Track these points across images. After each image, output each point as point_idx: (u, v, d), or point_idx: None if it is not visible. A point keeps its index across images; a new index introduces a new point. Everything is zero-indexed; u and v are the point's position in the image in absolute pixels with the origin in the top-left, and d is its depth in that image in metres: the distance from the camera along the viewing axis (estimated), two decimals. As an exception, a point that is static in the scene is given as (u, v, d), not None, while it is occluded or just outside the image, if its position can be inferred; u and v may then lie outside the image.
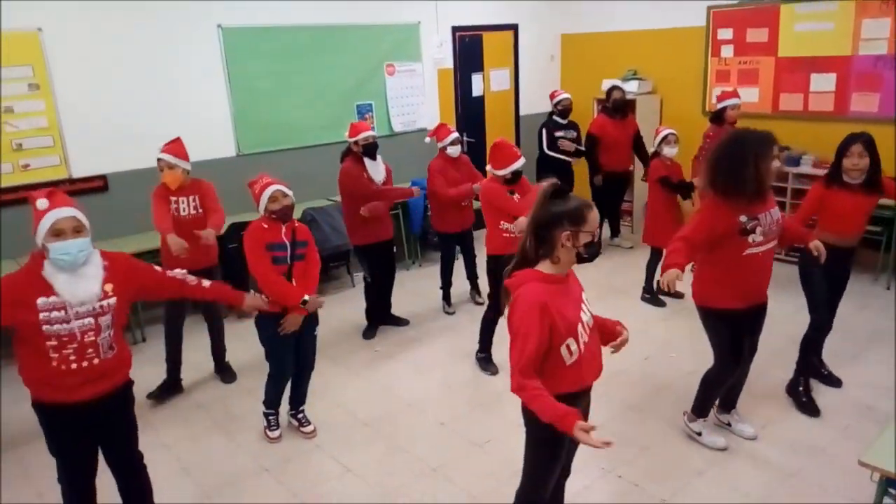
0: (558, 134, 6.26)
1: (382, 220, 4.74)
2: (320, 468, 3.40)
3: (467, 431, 3.64)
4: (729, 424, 3.47)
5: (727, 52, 6.35)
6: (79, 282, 2.36)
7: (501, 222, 4.00)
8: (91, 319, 2.38)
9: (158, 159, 3.85)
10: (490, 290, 4.37)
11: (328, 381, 4.16)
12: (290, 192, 3.35)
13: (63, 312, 2.33)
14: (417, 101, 6.73)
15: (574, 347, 2.17)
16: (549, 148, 6.27)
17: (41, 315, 2.31)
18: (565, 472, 2.53)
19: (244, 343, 4.81)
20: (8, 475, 3.40)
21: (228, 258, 5.23)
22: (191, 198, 3.97)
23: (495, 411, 3.83)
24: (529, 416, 2.27)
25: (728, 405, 3.48)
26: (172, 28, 5.11)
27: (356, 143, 4.56)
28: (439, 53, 6.84)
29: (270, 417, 3.66)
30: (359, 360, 4.56)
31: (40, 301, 2.31)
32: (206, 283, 2.86)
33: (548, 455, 2.34)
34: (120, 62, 4.92)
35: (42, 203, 2.36)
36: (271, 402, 3.64)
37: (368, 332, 4.92)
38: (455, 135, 4.97)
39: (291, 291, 3.32)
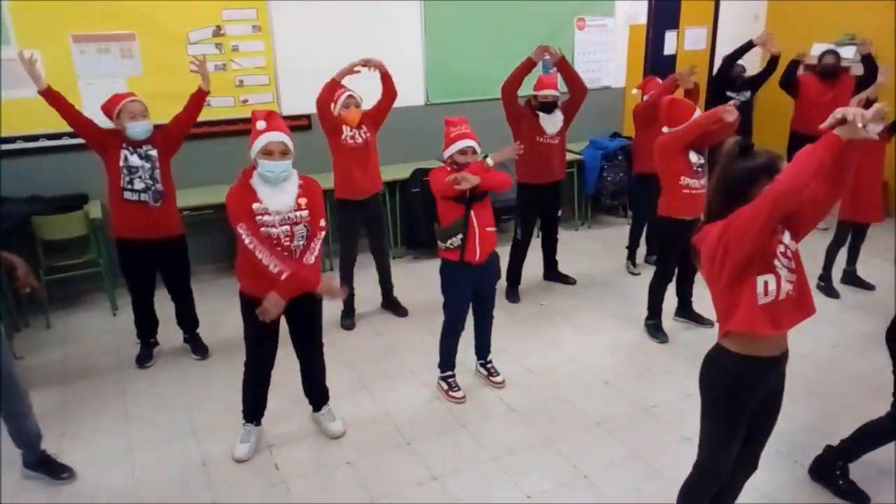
0: (730, 94, 5.84)
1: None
2: (486, 405, 3.56)
3: (633, 393, 3.63)
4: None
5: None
6: (279, 194, 2.78)
7: (682, 178, 3.85)
8: (287, 227, 2.80)
9: (350, 95, 4.09)
10: (660, 254, 4.26)
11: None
12: (479, 150, 3.36)
13: (269, 217, 2.76)
14: (605, 57, 6.56)
15: (772, 287, 2.07)
16: None
17: (256, 218, 2.75)
18: (751, 466, 2.43)
19: (416, 281, 5.10)
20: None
21: (409, 201, 5.52)
22: (362, 129, 4.20)
23: (665, 379, 3.76)
24: (707, 384, 2.23)
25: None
26: (378, -24, 5.36)
27: (535, 96, 4.58)
28: (633, 8, 6.58)
29: (450, 380, 3.62)
30: (524, 312, 4.66)
31: (254, 206, 2.75)
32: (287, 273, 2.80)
33: (724, 425, 2.27)
34: (330, 7, 5.25)
35: (261, 124, 2.77)
36: (447, 362, 3.64)
37: (511, 296, 4.85)
38: None
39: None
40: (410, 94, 5.72)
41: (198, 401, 3.62)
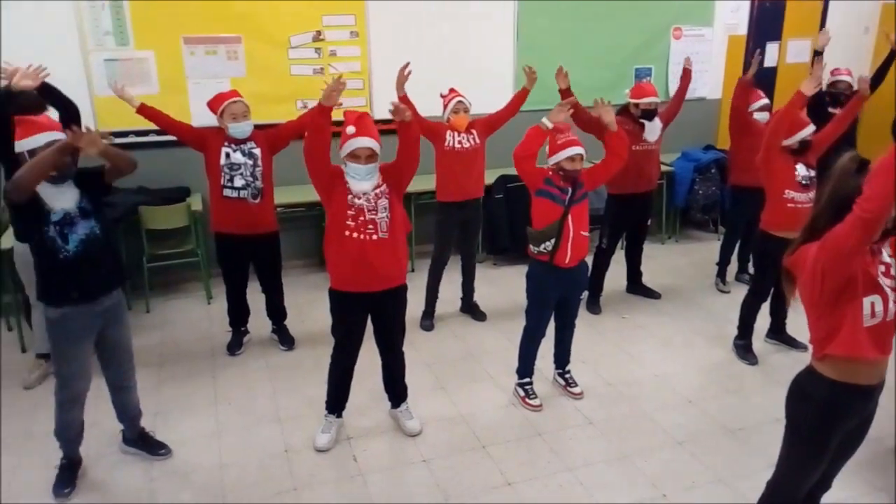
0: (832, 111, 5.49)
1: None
2: (562, 414, 3.52)
3: (718, 414, 3.50)
4: None
5: None
6: (363, 184, 2.91)
7: (786, 191, 3.69)
8: (372, 201, 2.92)
9: (459, 101, 4.17)
10: (757, 271, 4.08)
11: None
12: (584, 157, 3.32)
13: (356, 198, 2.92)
14: (701, 68, 6.35)
15: (879, 309, 1.95)
16: None
17: (348, 198, 2.90)
18: (825, 484, 2.32)
19: (494, 287, 5.11)
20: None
21: (493, 207, 5.53)
22: (472, 134, 4.25)
23: (753, 402, 3.62)
24: (794, 409, 2.14)
25: None
26: (473, -17, 5.43)
27: (636, 105, 4.52)
28: (733, 18, 6.37)
29: (527, 387, 3.60)
30: (605, 324, 4.58)
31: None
32: None
33: (808, 453, 2.16)
34: (426, 13, 5.36)
35: (350, 129, 2.88)
36: (525, 369, 3.61)
37: (592, 306, 4.75)
38: (765, 100, 4.71)
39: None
40: (499, 100, 5.72)
41: (283, 389, 3.76)
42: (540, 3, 5.67)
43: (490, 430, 3.37)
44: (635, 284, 5.05)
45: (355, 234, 2.91)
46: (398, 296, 3.13)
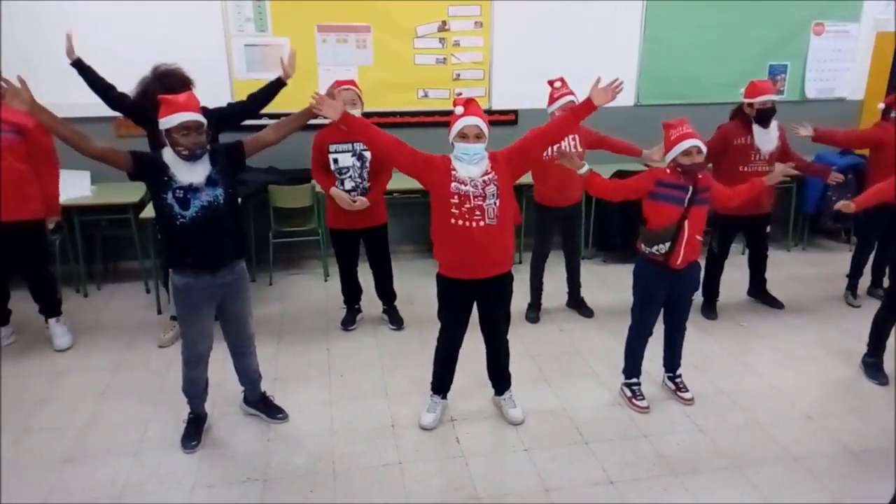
0: None
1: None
2: (670, 419, 3.43)
3: (841, 434, 3.29)
4: None
5: None
6: (471, 168, 2.91)
7: None
8: (479, 188, 2.91)
9: (571, 99, 4.06)
10: (893, 285, 3.79)
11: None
12: (704, 150, 3.19)
13: (462, 185, 2.91)
14: (843, 66, 5.96)
15: None
16: None
17: (451, 173, 2.92)
18: None
19: (602, 284, 5.03)
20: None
21: (605, 203, 5.41)
22: (573, 140, 4.16)
23: (879, 423, 3.37)
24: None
25: None
26: (601, -24, 5.35)
27: (750, 104, 4.21)
28: (884, 14, 5.89)
29: (634, 388, 3.54)
30: (721, 331, 4.40)
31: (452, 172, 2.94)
32: None
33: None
34: (552, 4, 5.34)
35: (459, 109, 2.92)
36: (632, 368, 3.55)
37: (708, 312, 4.59)
38: None
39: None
40: (620, 94, 5.60)
41: (391, 367, 3.89)
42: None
43: (593, 427, 3.34)
44: (758, 291, 4.81)
45: (461, 222, 2.91)
46: (504, 283, 3.14)
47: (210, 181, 2.83)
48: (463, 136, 2.89)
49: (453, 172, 2.93)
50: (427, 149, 5.30)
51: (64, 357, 3.98)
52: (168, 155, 2.80)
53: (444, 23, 5.20)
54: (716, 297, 4.63)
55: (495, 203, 2.94)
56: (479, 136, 2.89)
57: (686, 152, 3.14)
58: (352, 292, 4.40)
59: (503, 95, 5.43)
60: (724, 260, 4.59)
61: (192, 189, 2.80)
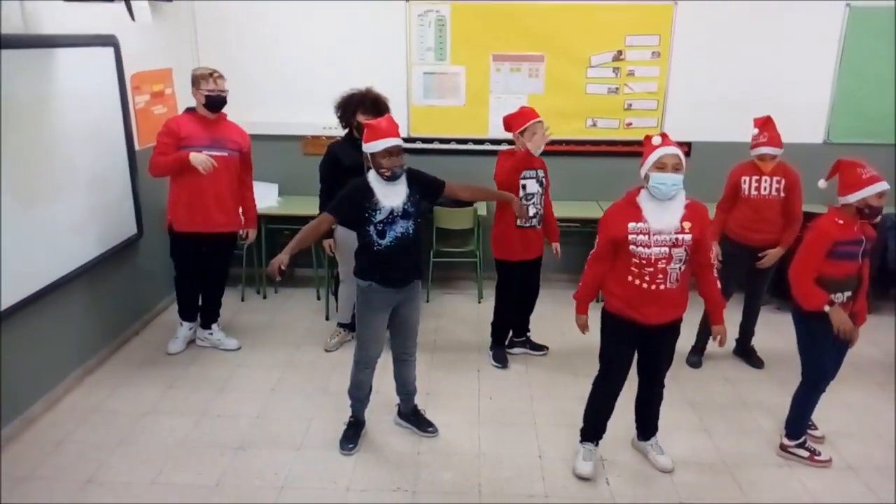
0: None
1: None
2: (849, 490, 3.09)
3: None
4: None
5: None
6: (664, 213, 2.77)
7: None
8: (666, 249, 2.76)
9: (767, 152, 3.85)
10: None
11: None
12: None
13: (646, 237, 2.76)
14: None
15: None
16: None
17: (629, 236, 2.78)
18: None
19: (775, 333, 4.67)
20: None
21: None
22: (775, 178, 3.92)
23: None
24: None
25: None
26: (796, 6, 5.01)
27: None
28: None
29: (807, 445, 3.31)
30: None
31: (630, 225, 2.79)
32: None
33: None
34: (736, 36, 5.09)
35: (656, 139, 2.82)
36: (800, 428, 3.30)
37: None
38: None
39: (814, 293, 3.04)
40: (806, 130, 5.23)
41: (539, 396, 3.86)
42: (871, 26, 5.03)
43: (756, 488, 3.09)
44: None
45: (637, 282, 2.82)
46: (675, 328, 3.00)
47: (405, 213, 3.05)
48: (661, 166, 2.76)
49: (633, 225, 2.79)
50: (592, 179, 5.26)
51: (241, 352, 4.36)
52: (372, 176, 3.04)
53: (619, 52, 5.13)
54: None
55: (680, 268, 2.82)
56: (677, 168, 2.76)
57: (880, 194, 2.93)
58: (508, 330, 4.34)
59: (677, 127, 5.20)
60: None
61: (389, 221, 3.02)
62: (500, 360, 4.23)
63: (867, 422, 3.64)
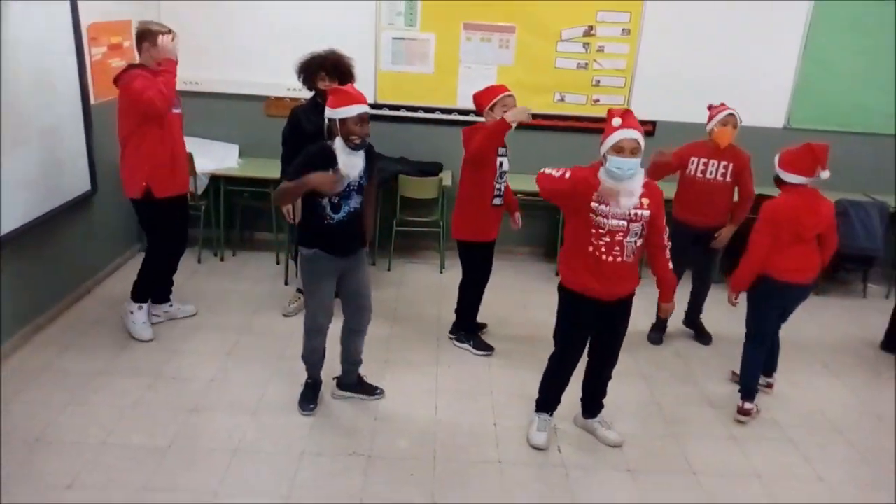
0: None
1: None
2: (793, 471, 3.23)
3: None
4: None
5: None
6: (625, 184, 2.75)
7: None
8: (624, 222, 2.79)
9: (730, 114, 3.91)
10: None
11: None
12: None
13: (606, 208, 2.78)
14: None
15: None
16: None
17: (592, 204, 2.79)
18: None
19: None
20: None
21: (742, 228, 5.15)
22: (722, 163, 3.97)
23: None
24: None
25: None
26: (763, -7, 5.08)
27: None
28: None
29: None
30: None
31: (594, 195, 2.79)
32: None
33: None
34: (705, 20, 5.14)
35: (616, 121, 2.77)
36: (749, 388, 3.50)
37: None
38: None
39: None
40: (766, 114, 5.32)
41: (497, 366, 3.90)
42: (835, 17, 5.13)
43: (701, 459, 3.20)
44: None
45: (596, 253, 2.83)
46: (627, 306, 3.03)
47: (359, 188, 3.04)
48: (619, 149, 2.72)
49: (597, 195, 2.79)
50: (557, 154, 5.29)
51: (198, 316, 4.28)
52: (338, 144, 2.93)
53: (590, 27, 5.12)
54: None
55: (635, 242, 2.85)
56: (634, 151, 2.73)
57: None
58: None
59: (643, 105, 5.25)
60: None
61: (345, 195, 3.00)
62: (484, 347, 4.06)
63: (811, 399, 3.79)
